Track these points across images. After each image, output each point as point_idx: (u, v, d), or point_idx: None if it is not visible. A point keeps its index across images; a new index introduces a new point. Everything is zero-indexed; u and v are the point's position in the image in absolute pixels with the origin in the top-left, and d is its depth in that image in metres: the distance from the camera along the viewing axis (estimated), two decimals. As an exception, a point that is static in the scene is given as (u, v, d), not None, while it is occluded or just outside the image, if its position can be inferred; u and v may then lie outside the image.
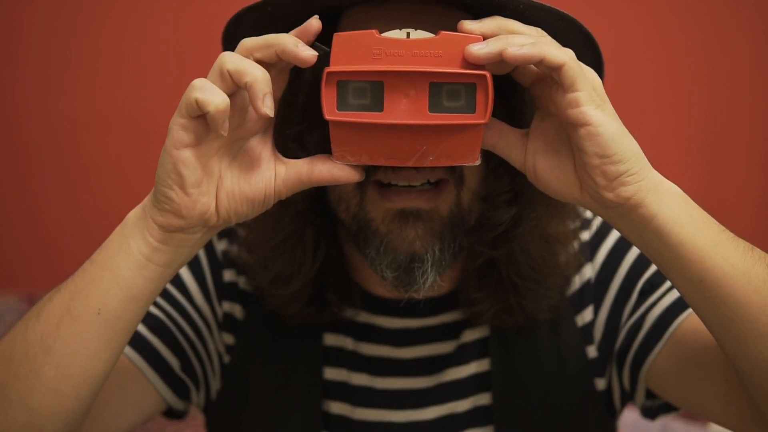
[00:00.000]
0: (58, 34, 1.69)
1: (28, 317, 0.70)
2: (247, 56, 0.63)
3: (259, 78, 0.62)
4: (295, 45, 0.62)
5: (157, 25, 1.70)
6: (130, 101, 1.71)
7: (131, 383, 0.86)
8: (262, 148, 0.68)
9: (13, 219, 1.74)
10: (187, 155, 0.64)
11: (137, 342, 0.87)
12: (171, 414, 0.92)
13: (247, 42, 0.64)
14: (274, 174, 0.68)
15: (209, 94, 0.61)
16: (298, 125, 0.76)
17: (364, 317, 0.90)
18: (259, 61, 0.63)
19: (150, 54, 1.70)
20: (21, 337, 0.69)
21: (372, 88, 0.64)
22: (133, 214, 0.69)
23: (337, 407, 0.89)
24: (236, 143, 0.67)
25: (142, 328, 0.87)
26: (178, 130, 0.63)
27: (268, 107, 0.62)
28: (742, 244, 0.67)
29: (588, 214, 0.91)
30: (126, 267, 0.68)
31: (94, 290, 0.68)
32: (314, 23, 0.64)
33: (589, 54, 0.73)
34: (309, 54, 0.63)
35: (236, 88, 0.63)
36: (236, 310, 0.91)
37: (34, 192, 1.74)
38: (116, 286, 0.68)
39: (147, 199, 0.68)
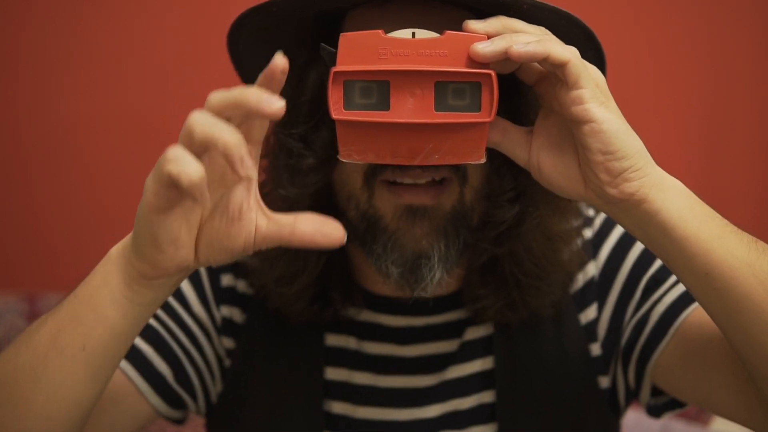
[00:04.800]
0: (59, 34, 1.70)
1: (19, 342, 0.70)
2: (217, 114, 0.59)
3: (230, 143, 0.56)
4: (258, 102, 0.57)
5: (159, 25, 1.71)
6: (132, 102, 1.71)
7: (124, 395, 0.86)
8: (245, 197, 0.64)
9: (14, 219, 1.74)
10: (161, 218, 0.61)
11: (130, 352, 0.86)
12: (169, 419, 0.92)
13: (214, 100, 0.59)
14: (254, 227, 0.64)
15: (182, 165, 0.56)
16: (303, 125, 0.77)
17: (367, 316, 0.90)
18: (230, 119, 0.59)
19: (151, 54, 1.70)
20: (12, 362, 0.69)
21: (378, 88, 0.64)
22: (116, 251, 0.67)
23: (338, 407, 0.89)
24: (218, 190, 0.63)
25: (136, 338, 0.87)
26: (152, 195, 0.60)
27: (248, 167, 0.57)
28: (746, 237, 0.67)
29: (590, 212, 0.92)
30: (108, 306, 0.66)
31: (79, 327, 0.67)
32: (278, 62, 0.58)
33: (592, 53, 0.74)
34: (276, 107, 0.57)
35: (209, 150, 0.59)
36: (235, 314, 0.91)
37: (34, 192, 1.74)
38: (99, 325, 0.67)
39: (128, 239, 0.66)
